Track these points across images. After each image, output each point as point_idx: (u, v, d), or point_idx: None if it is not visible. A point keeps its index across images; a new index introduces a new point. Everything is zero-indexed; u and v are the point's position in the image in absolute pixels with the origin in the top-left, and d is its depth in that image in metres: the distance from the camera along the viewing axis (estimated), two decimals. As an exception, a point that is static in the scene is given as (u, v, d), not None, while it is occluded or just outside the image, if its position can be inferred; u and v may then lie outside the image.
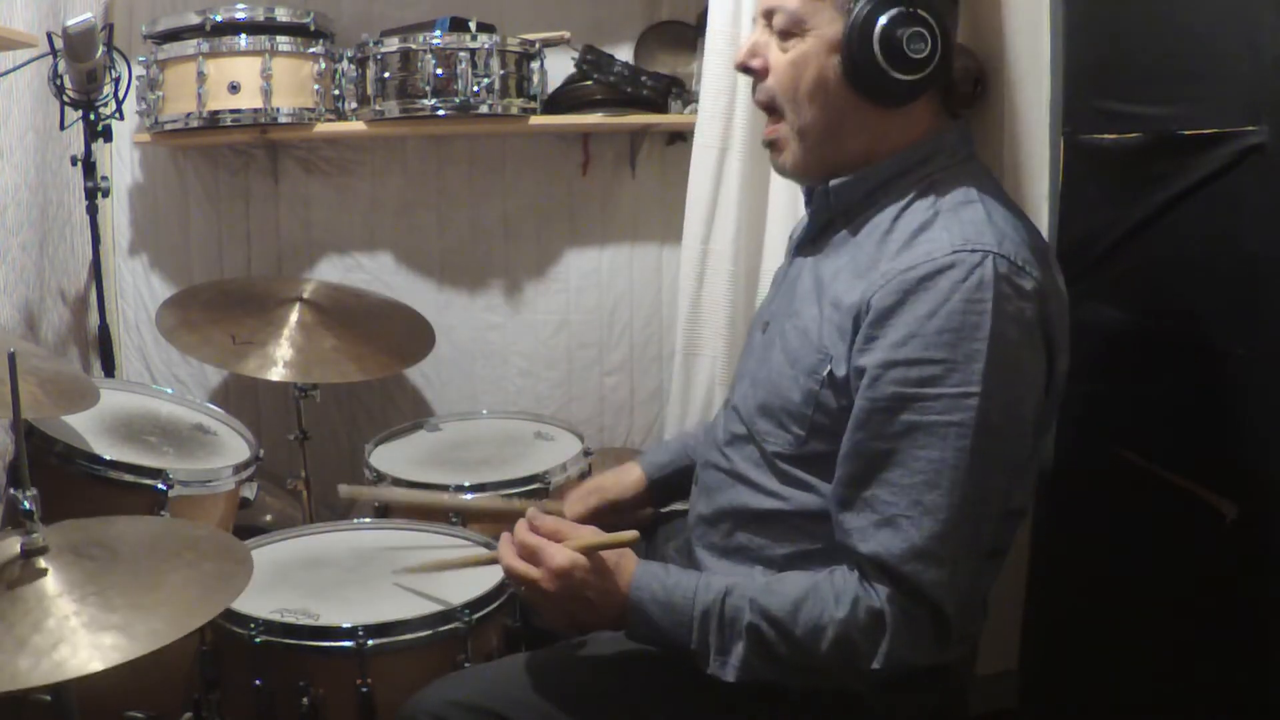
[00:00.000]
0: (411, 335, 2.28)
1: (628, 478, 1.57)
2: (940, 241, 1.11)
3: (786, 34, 1.22)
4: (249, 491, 1.86)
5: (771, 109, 1.27)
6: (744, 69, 1.28)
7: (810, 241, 1.32)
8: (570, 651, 1.31)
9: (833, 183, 1.26)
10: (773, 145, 1.29)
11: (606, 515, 1.56)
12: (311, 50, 2.22)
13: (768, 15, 1.24)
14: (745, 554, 1.26)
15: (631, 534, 1.19)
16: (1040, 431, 1.21)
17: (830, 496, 1.16)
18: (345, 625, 1.36)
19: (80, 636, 1.03)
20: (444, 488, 1.89)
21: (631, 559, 1.20)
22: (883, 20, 1.15)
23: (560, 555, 1.16)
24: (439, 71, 2.18)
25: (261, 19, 2.21)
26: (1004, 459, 1.13)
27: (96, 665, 1.01)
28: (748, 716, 1.21)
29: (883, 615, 1.09)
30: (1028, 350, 1.12)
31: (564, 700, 1.21)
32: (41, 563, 1.12)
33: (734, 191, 2.08)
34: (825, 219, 1.30)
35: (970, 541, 1.12)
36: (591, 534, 1.20)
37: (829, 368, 1.17)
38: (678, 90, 2.40)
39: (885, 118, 1.21)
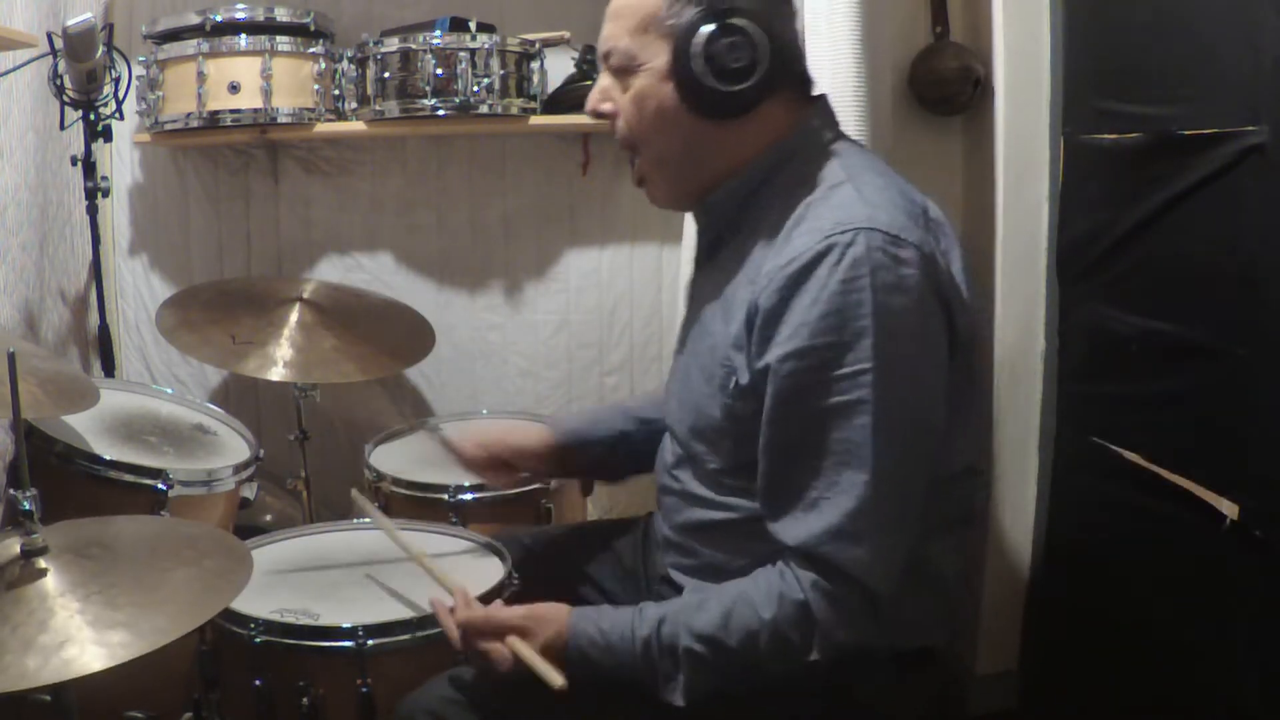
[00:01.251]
0: (411, 335, 2.28)
1: (532, 430, 1.58)
2: (814, 232, 1.13)
3: (623, 72, 1.25)
4: (249, 491, 1.86)
5: (632, 147, 1.29)
6: (596, 114, 1.30)
7: (707, 260, 1.34)
8: None
9: (708, 200, 1.29)
10: (641, 183, 1.32)
11: (504, 462, 1.56)
12: (311, 50, 2.22)
13: (606, 58, 1.27)
14: (713, 571, 1.26)
15: (558, 681, 1.15)
16: (961, 391, 1.20)
17: (757, 494, 1.18)
18: (345, 625, 1.36)
19: (86, 635, 1.03)
20: (444, 488, 1.89)
21: (564, 612, 1.20)
22: (700, 39, 1.17)
23: (504, 662, 1.17)
24: (439, 71, 2.18)
25: (261, 19, 2.21)
26: (915, 428, 1.14)
27: (105, 663, 1.01)
28: (747, 710, 1.21)
29: (807, 605, 1.10)
30: (918, 315, 1.12)
31: (562, 696, 1.22)
32: (41, 563, 1.12)
33: (734, 191, 2.08)
34: (713, 235, 1.32)
35: (897, 515, 1.13)
36: (521, 620, 1.19)
37: (734, 379, 1.19)
38: (677, 90, 2.40)
39: (737, 129, 1.23)
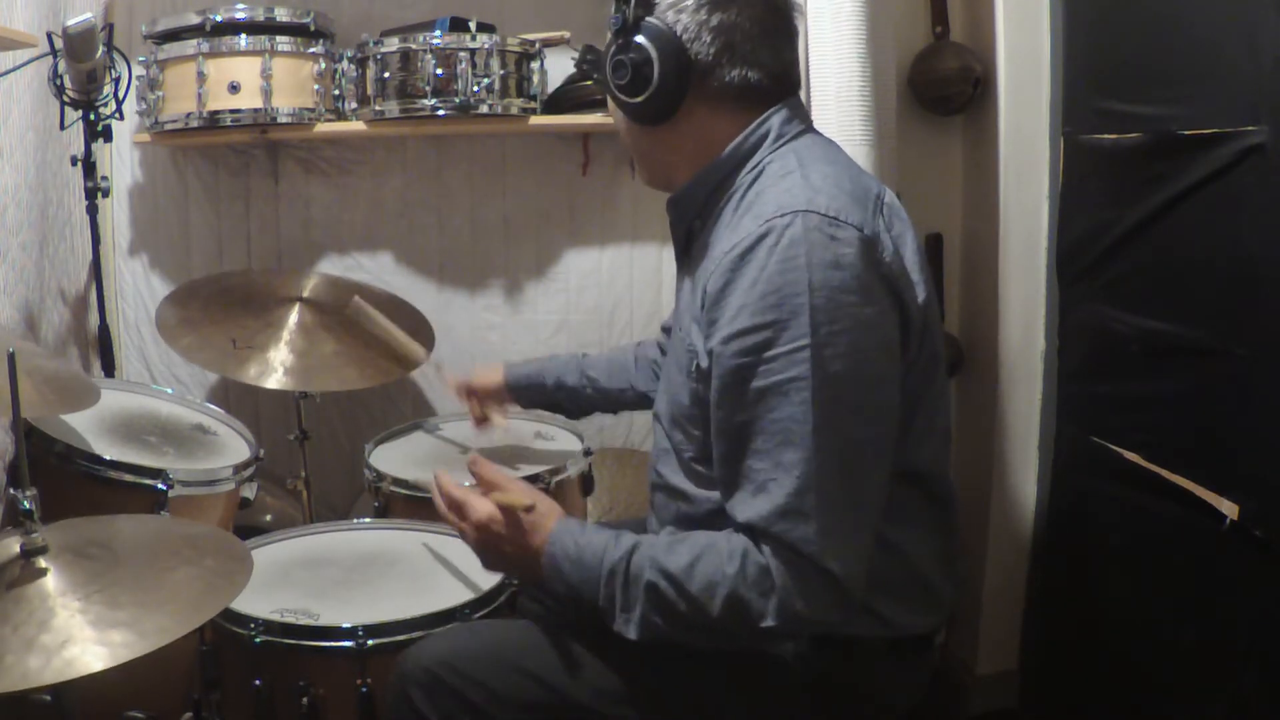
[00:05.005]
0: (411, 335, 2.27)
1: (492, 373, 1.88)
2: (757, 217, 1.16)
3: None
4: (249, 491, 1.86)
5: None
6: None
7: (684, 255, 1.38)
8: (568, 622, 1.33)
9: (673, 195, 1.34)
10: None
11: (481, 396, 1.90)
12: (311, 50, 2.22)
13: None
14: None
15: (525, 501, 1.24)
16: (927, 378, 1.22)
17: (716, 479, 1.20)
18: (345, 625, 1.36)
19: (88, 634, 1.03)
20: (444, 488, 1.89)
21: (553, 516, 1.24)
22: (609, 58, 1.28)
23: (480, 509, 1.25)
24: (439, 71, 2.18)
25: (261, 19, 2.20)
26: (861, 405, 1.14)
27: (107, 663, 1.01)
28: (737, 685, 1.23)
29: (769, 570, 1.11)
30: (859, 294, 1.13)
31: (555, 672, 1.24)
32: (42, 562, 1.12)
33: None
34: (683, 230, 1.36)
35: (846, 495, 1.13)
36: (521, 491, 1.26)
37: (695, 362, 1.22)
38: (677, 90, 2.39)
39: (671, 132, 1.28)
